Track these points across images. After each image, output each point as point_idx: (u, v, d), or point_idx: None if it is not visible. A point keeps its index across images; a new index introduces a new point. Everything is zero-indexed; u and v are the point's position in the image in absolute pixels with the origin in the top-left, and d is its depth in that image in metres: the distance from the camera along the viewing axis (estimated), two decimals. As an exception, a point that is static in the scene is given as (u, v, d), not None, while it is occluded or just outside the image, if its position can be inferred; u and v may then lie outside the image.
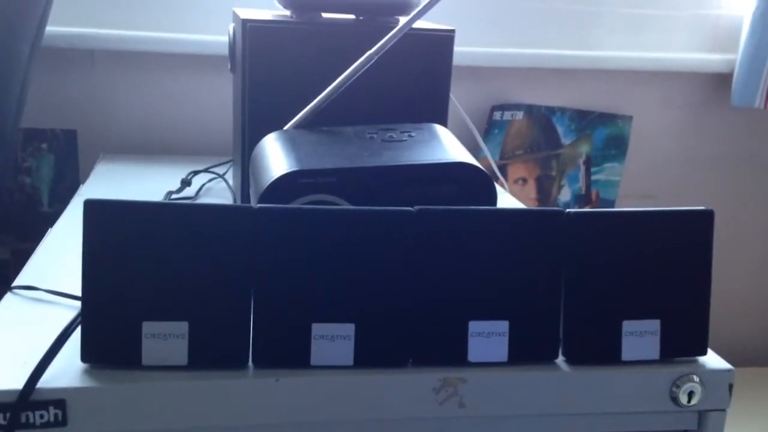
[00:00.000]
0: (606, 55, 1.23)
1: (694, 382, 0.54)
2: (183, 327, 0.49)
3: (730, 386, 0.55)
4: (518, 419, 0.54)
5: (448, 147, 0.63)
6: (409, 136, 0.65)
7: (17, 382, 0.47)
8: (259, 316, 0.50)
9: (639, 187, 1.31)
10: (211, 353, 0.50)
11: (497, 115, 1.22)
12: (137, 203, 0.49)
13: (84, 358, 0.49)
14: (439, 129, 0.67)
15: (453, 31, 0.77)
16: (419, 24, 0.74)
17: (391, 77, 0.75)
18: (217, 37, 1.08)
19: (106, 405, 0.48)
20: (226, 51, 0.83)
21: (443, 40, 0.77)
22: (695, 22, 1.28)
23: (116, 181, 0.95)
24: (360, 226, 0.51)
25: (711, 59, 1.26)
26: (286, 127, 0.67)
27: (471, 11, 1.20)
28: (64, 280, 0.62)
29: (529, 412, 0.53)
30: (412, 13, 0.68)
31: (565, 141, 1.26)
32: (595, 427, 0.55)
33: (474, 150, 1.08)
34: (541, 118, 1.24)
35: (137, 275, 0.49)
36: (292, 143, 0.63)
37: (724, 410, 0.56)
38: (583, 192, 1.29)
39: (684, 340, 0.55)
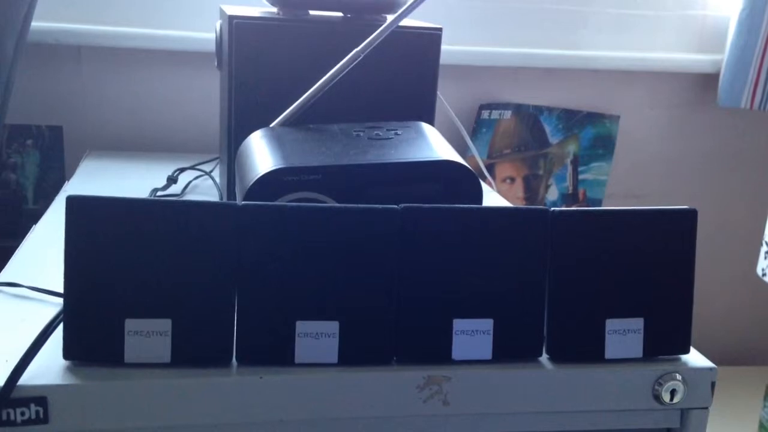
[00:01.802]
0: (594, 54, 1.24)
1: (676, 380, 0.54)
2: (166, 324, 0.49)
3: (713, 384, 0.55)
4: (502, 417, 0.54)
5: (434, 145, 0.63)
6: (396, 134, 0.65)
7: (-2, 379, 0.46)
8: (243, 314, 0.50)
9: (626, 187, 1.31)
10: (195, 351, 0.50)
11: (485, 114, 1.23)
12: (120, 200, 0.49)
13: (66, 355, 0.49)
14: (425, 127, 0.67)
15: (440, 29, 0.77)
16: (406, 22, 0.74)
17: (378, 75, 0.75)
18: (205, 34, 1.07)
19: (88, 402, 0.48)
20: (213, 48, 0.82)
21: (430, 39, 0.77)
22: (682, 23, 1.28)
23: (102, 178, 0.95)
24: (345, 224, 0.51)
25: (698, 59, 1.27)
26: (272, 125, 0.67)
27: (459, 10, 1.20)
28: (47, 276, 0.62)
29: (513, 410, 0.54)
30: (399, 11, 0.68)
31: (553, 140, 1.27)
32: (579, 424, 0.55)
33: (462, 149, 1.08)
34: (529, 117, 1.25)
35: (120, 272, 0.49)
36: (278, 141, 0.63)
37: (706, 408, 0.56)
38: (570, 191, 1.29)
39: (667, 338, 0.55)
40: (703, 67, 1.27)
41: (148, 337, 0.49)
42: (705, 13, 1.29)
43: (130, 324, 0.49)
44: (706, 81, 1.29)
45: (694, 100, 1.31)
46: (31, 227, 0.77)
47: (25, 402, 0.46)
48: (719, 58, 1.25)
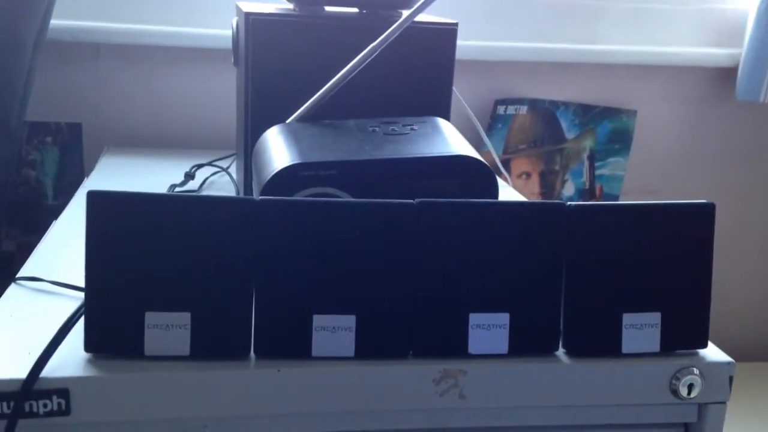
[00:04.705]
0: (610, 49, 1.23)
1: (694, 374, 0.54)
2: (185, 318, 0.50)
3: (731, 379, 0.55)
4: (518, 411, 0.54)
5: (450, 140, 0.63)
6: (412, 129, 0.65)
7: (21, 372, 0.47)
8: (261, 307, 0.51)
9: (643, 182, 1.31)
10: (213, 344, 0.50)
11: (501, 110, 1.22)
12: (140, 195, 0.49)
13: (87, 348, 0.50)
14: (441, 122, 0.67)
15: (456, 24, 0.77)
16: (422, 17, 0.74)
17: (393, 71, 0.75)
18: (221, 31, 1.08)
19: (109, 394, 0.48)
20: (229, 44, 0.83)
21: (446, 34, 0.77)
22: (700, 16, 1.27)
23: (120, 175, 0.96)
24: (361, 219, 0.51)
25: (716, 53, 1.26)
26: (288, 121, 0.68)
27: (474, 5, 1.20)
28: (68, 271, 0.63)
29: (529, 404, 0.54)
30: (415, 6, 0.68)
31: (569, 135, 1.26)
32: (595, 419, 0.55)
33: (477, 144, 1.08)
34: (545, 112, 1.24)
35: (140, 266, 0.49)
36: (294, 136, 0.63)
37: (724, 403, 0.56)
38: (587, 187, 1.29)
39: (684, 332, 0.55)
40: (721, 60, 1.26)
41: (167, 330, 0.49)
42: (723, 7, 1.28)
43: (150, 317, 0.49)
44: (725, 75, 1.28)
45: (712, 94, 1.30)
46: (51, 223, 0.78)
47: (47, 394, 0.47)
48: (737, 51, 1.24)
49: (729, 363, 0.55)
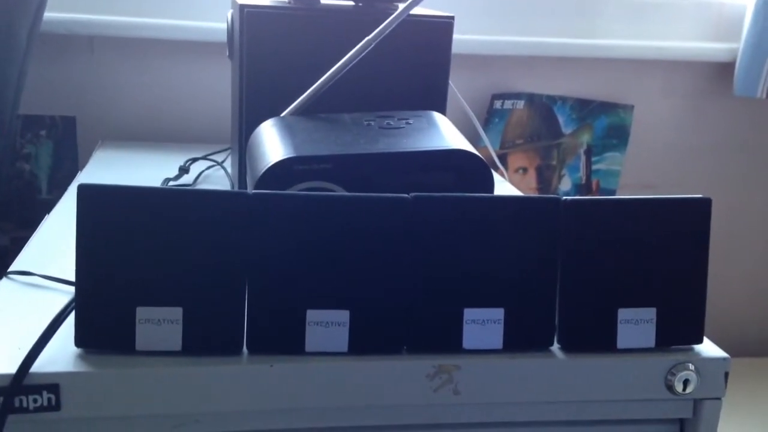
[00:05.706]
0: (608, 43, 1.22)
1: (689, 370, 0.54)
2: (177, 312, 0.49)
3: (726, 374, 0.55)
4: (513, 406, 0.54)
5: (445, 134, 0.63)
6: (407, 123, 0.65)
7: (11, 367, 0.47)
8: (254, 302, 0.50)
9: (640, 177, 1.30)
10: (205, 339, 0.50)
11: (498, 104, 1.22)
12: (132, 188, 0.49)
13: (78, 342, 0.49)
14: (437, 116, 0.67)
15: (452, 17, 0.77)
16: (418, 10, 0.74)
17: (389, 64, 0.75)
18: (216, 24, 1.07)
19: (99, 390, 0.48)
20: (224, 38, 0.82)
21: (442, 27, 0.77)
22: (698, 11, 1.27)
23: (114, 168, 0.95)
24: (356, 213, 0.51)
25: (713, 48, 1.26)
26: (283, 114, 0.67)
27: (472, -1, 1.19)
28: (59, 265, 0.62)
29: (524, 400, 0.53)
30: (411, -1, 0.68)
31: (566, 130, 1.26)
32: (590, 414, 0.55)
33: (474, 139, 1.08)
34: (542, 107, 1.24)
35: (131, 260, 0.49)
36: (289, 130, 0.63)
37: (719, 398, 0.55)
38: (583, 182, 1.28)
39: (680, 328, 0.55)
40: (718, 56, 1.26)
41: (159, 325, 0.49)
42: (721, 1, 1.27)
43: (142, 312, 0.49)
44: (722, 70, 1.27)
45: (710, 89, 1.29)
46: (44, 217, 0.77)
47: (37, 389, 0.47)
48: (735, 46, 1.24)
49: (724, 359, 0.55)
